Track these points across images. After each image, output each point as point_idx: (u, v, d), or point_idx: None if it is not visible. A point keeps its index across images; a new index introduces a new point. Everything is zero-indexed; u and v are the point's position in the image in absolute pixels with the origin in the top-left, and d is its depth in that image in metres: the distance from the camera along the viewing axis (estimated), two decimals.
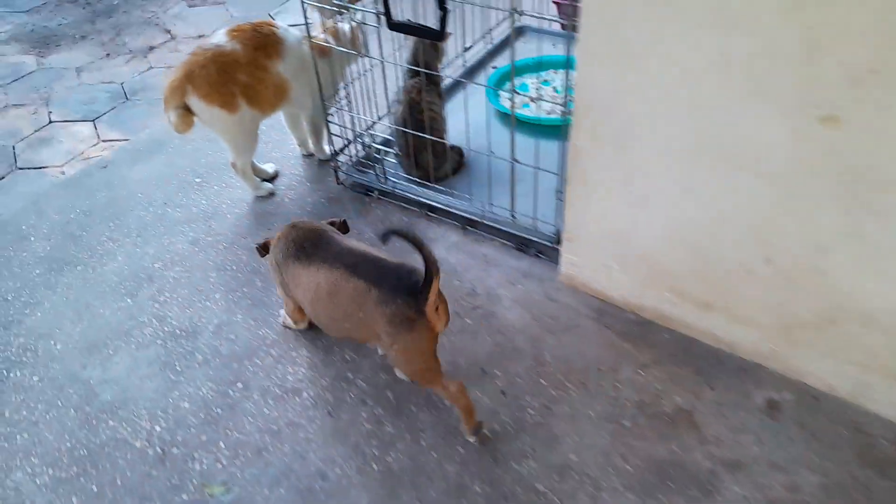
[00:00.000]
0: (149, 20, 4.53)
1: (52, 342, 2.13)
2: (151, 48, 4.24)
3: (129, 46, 4.27)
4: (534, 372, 1.96)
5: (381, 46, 2.25)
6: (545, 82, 2.99)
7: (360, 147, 2.58)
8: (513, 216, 2.24)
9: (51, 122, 3.66)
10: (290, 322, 2.07)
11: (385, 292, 1.56)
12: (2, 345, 2.13)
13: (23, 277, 2.36)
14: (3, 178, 3.29)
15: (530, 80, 3.00)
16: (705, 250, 1.82)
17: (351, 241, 1.75)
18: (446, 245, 2.36)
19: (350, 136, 2.55)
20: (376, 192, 2.55)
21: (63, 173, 3.28)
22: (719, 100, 1.55)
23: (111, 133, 3.53)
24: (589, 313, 2.11)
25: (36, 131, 3.60)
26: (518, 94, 2.84)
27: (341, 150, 2.57)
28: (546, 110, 2.79)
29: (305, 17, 2.23)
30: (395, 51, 2.34)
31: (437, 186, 2.42)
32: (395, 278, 1.57)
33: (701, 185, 1.71)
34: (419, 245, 1.49)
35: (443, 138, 2.48)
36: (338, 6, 2.17)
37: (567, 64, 1.86)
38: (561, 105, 2.73)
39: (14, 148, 3.49)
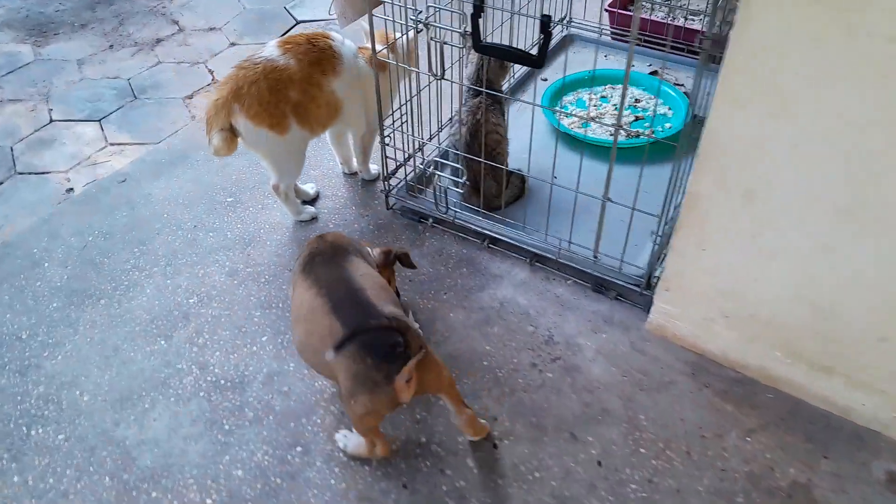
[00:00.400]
0: (154, 9, 4.22)
1: (78, 392, 1.88)
2: (158, 41, 3.94)
3: (134, 38, 3.97)
4: (630, 438, 1.75)
5: (435, 62, 2.00)
6: (604, 98, 2.77)
7: (413, 170, 2.34)
8: (595, 256, 2.02)
9: (52, 120, 3.37)
10: None
11: (357, 346, 1.41)
12: (20, 394, 1.88)
13: (38, 312, 2.09)
14: (1, 183, 3.00)
15: (586, 96, 2.78)
16: (834, 313, 1.62)
17: (360, 270, 1.59)
18: (514, 283, 2.14)
19: (403, 158, 2.31)
20: (431, 220, 2.32)
21: (69, 180, 3.01)
22: (885, 158, 1.34)
23: (120, 136, 3.26)
24: (683, 369, 1.91)
25: (36, 131, 3.32)
26: (579, 117, 2.61)
27: (393, 172, 2.33)
28: (609, 132, 2.57)
29: (372, 31, 1.98)
30: (451, 67, 2.11)
31: (501, 217, 2.20)
32: (373, 334, 1.42)
33: (843, 244, 1.51)
34: (400, 330, 1.40)
35: (506, 163, 2.26)
36: (415, 23, 1.92)
37: (625, 79, 1.64)
38: (626, 127, 2.53)
39: (12, 150, 3.20)
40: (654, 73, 2.91)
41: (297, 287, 1.61)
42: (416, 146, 2.29)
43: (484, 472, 1.69)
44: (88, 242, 2.32)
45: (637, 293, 2.02)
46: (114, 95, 3.52)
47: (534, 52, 1.73)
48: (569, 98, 2.79)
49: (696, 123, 1.66)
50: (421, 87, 2.16)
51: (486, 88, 2.17)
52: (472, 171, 2.20)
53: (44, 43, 3.94)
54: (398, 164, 2.33)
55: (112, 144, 3.22)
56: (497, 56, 1.79)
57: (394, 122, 2.22)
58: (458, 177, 2.14)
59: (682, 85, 2.83)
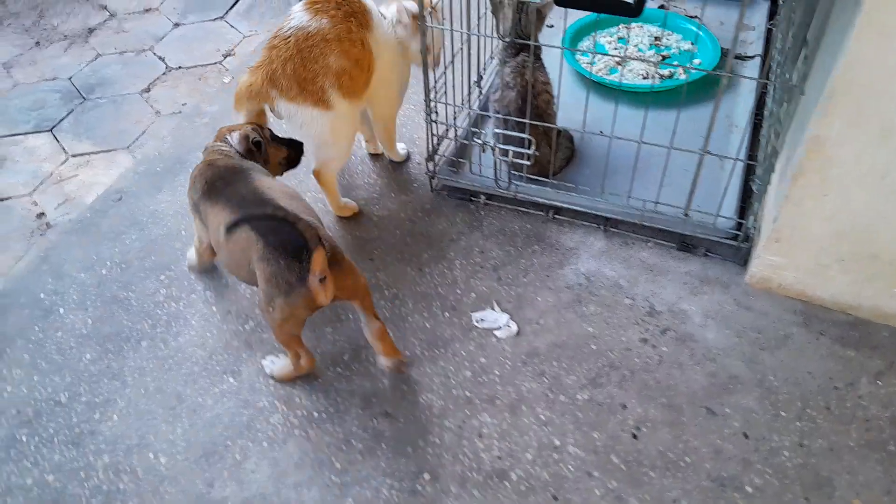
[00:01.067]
0: None
1: (152, 455, 1.63)
2: (91, 30, 3.51)
3: (62, 30, 3.52)
4: (767, 402, 1.66)
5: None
6: (622, 40, 2.61)
7: (455, 144, 2.13)
8: (686, 214, 1.89)
9: None
10: (192, 258, 1.94)
11: (270, 249, 1.47)
12: (82, 469, 1.62)
13: (71, 368, 1.81)
14: None
15: (603, 39, 2.62)
16: None
17: (267, 182, 1.64)
18: (593, 254, 1.99)
19: (445, 131, 2.10)
20: (482, 197, 2.13)
21: (35, 203, 2.65)
22: None
23: (79, 145, 2.88)
24: (795, 319, 1.82)
25: None
26: (620, 58, 2.45)
27: (436, 148, 2.11)
28: (641, 74, 2.42)
29: None
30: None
31: (564, 183, 2.03)
32: (286, 235, 1.46)
33: None
34: (289, 221, 1.43)
35: (555, 123, 2.08)
36: None
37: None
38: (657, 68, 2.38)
39: None
40: (661, 6, 2.77)
41: (209, 214, 1.65)
42: (457, 116, 2.08)
43: (632, 467, 1.56)
44: (103, 277, 2.02)
45: (730, 247, 1.91)
46: (58, 99, 3.11)
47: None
48: (585, 43, 2.61)
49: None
50: (455, 49, 1.95)
51: (524, 40, 1.97)
52: (526, 137, 2.01)
53: None
54: (439, 138, 2.11)
55: (74, 156, 2.84)
56: (587, 8, 1.59)
57: (436, 92, 1.99)
58: (521, 146, 1.95)
59: (696, 17, 2.69)
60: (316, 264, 1.43)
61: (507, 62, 2.05)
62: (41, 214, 2.62)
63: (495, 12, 2.04)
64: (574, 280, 1.92)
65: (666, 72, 2.44)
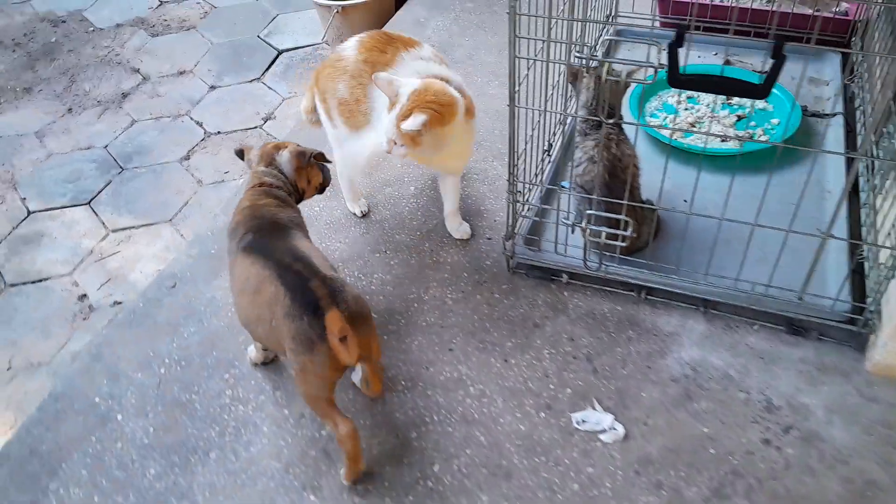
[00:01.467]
0: (105, 59, 3.66)
1: None
2: (124, 95, 3.41)
3: (94, 96, 3.42)
4: None
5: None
6: (691, 100, 2.48)
7: (527, 220, 1.99)
8: (800, 298, 1.74)
9: (30, 212, 2.83)
10: (253, 353, 1.85)
11: (296, 305, 1.44)
12: None
13: (135, 486, 1.64)
14: None
15: (672, 100, 2.49)
16: None
17: (304, 244, 1.62)
18: (695, 340, 1.83)
19: (523, 210, 1.96)
20: (564, 277, 1.98)
21: (76, 284, 2.52)
22: None
23: (119, 219, 2.76)
24: None
25: (14, 228, 2.78)
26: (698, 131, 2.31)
27: (513, 225, 1.97)
28: (720, 137, 2.28)
29: (512, 70, 1.61)
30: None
31: (659, 264, 1.89)
32: (313, 292, 1.44)
33: None
34: (304, 277, 1.46)
35: (642, 197, 1.95)
36: (583, 59, 1.56)
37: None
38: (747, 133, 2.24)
39: None
40: (726, 62, 2.64)
41: (238, 264, 1.60)
42: (532, 191, 1.94)
43: None
44: (162, 376, 1.87)
45: (843, 330, 1.75)
46: (95, 170, 2.99)
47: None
48: (653, 104, 2.49)
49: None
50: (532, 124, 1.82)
51: (608, 115, 1.84)
52: (612, 212, 1.87)
53: None
54: (520, 216, 1.97)
55: (114, 231, 2.71)
56: (708, 91, 1.46)
57: (517, 168, 1.86)
58: (615, 225, 1.80)
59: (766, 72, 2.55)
60: (332, 323, 1.40)
61: (588, 134, 1.92)
62: (83, 296, 2.49)
63: (574, 84, 1.92)
64: (679, 371, 1.76)
65: (744, 133, 2.30)
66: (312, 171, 1.87)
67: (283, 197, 1.78)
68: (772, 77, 1.35)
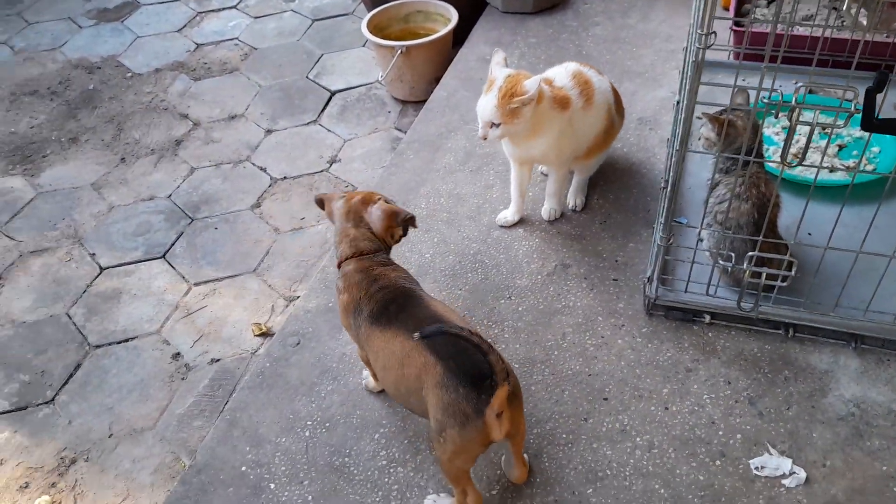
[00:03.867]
0: (151, 105, 3.58)
1: None
2: (178, 142, 3.34)
3: (146, 144, 3.34)
4: None
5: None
6: (785, 129, 2.49)
7: (660, 258, 1.97)
8: None
9: (102, 269, 2.73)
10: (371, 383, 1.86)
11: (450, 375, 1.38)
12: None
13: None
14: (78, 366, 2.38)
15: (769, 131, 2.50)
16: None
17: (439, 306, 1.56)
18: (851, 376, 1.82)
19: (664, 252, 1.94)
20: (707, 317, 1.96)
21: (167, 343, 2.44)
22: None
23: (200, 271, 2.68)
24: None
25: (88, 286, 2.68)
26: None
27: (654, 269, 1.94)
28: (826, 166, 2.29)
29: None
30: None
31: (801, 300, 1.87)
32: (468, 362, 1.38)
33: None
34: (482, 350, 1.34)
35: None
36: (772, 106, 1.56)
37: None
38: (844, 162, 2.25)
39: (70, 317, 2.56)
40: (811, 91, 2.66)
41: (376, 339, 1.55)
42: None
43: None
44: (308, 440, 1.79)
45: None
46: (163, 221, 2.90)
47: None
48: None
49: None
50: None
51: (757, 154, 1.85)
52: (758, 251, 1.86)
53: (35, 171, 3.21)
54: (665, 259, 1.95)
55: (196, 284, 2.62)
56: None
57: (667, 210, 1.83)
58: (772, 265, 1.78)
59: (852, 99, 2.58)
60: (497, 399, 1.35)
61: (729, 171, 1.92)
62: (177, 355, 2.40)
63: (727, 136, 1.91)
64: (844, 410, 1.74)
65: (851, 163, 2.32)
66: (397, 227, 1.76)
67: (387, 260, 1.70)
68: None
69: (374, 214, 1.70)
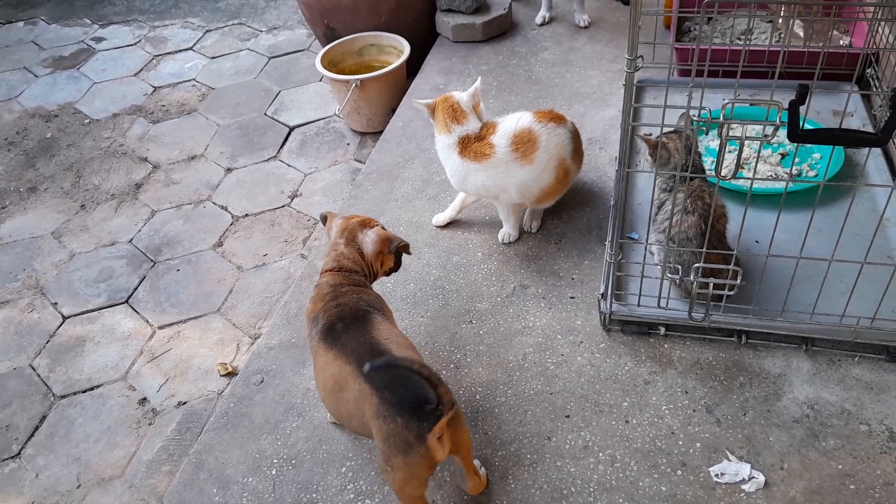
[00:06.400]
0: (110, 150, 3.59)
1: None
2: (138, 186, 3.34)
3: (105, 189, 3.34)
4: None
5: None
6: (732, 141, 2.56)
7: (612, 275, 2.01)
8: None
9: (65, 318, 2.72)
10: None
11: (386, 406, 1.42)
12: None
13: None
14: (44, 418, 2.36)
15: (714, 143, 2.58)
16: None
17: (384, 332, 1.58)
18: (804, 378, 1.87)
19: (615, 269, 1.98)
20: (662, 329, 2.00)
21: (133, 388, 2.42)
22: None
23: (163, 315, 2.68)
24: None
25: (51, 337, 2.66)
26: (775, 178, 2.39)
27: (607, 285, 1.98)
28: (770, 175, 2.37)
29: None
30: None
31: (750, 306, 1.92)
32: (403, 390, 1.41)
33: None
34: (431, 383, 1.37)
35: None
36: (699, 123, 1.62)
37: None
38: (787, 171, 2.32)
39: (34, 369, 2.54)
40: (752, 104, 2.75)
41: (320, 357, 1.59)
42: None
43: None
44: (275, 479, 1.80)
45: None
46: (125, 266, 2.89)
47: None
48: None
49: None
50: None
51: (695, 166, 1.93)
52: (704, 261, 1.91)
53: None
54: (610, 272, 1.99)
55: (161, 328, 2.62)
56: (826, 143, 1.52)
57: (618, 228, 1.88)
58: (719, 276, 1.84)
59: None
60: (440, 426, 1.39)
61: (671, 190, 1.98)
62: (143, 400, 2.39)
63: (654, 155, 1.98)
64: (799, 412, 1.79)
65: (795, 170, 2.40)
66: (388, 256, 1.83)
67: (361, 282, 1.75)
68: (891, 124, 1.41)
69: (369, 237, 1.77)
